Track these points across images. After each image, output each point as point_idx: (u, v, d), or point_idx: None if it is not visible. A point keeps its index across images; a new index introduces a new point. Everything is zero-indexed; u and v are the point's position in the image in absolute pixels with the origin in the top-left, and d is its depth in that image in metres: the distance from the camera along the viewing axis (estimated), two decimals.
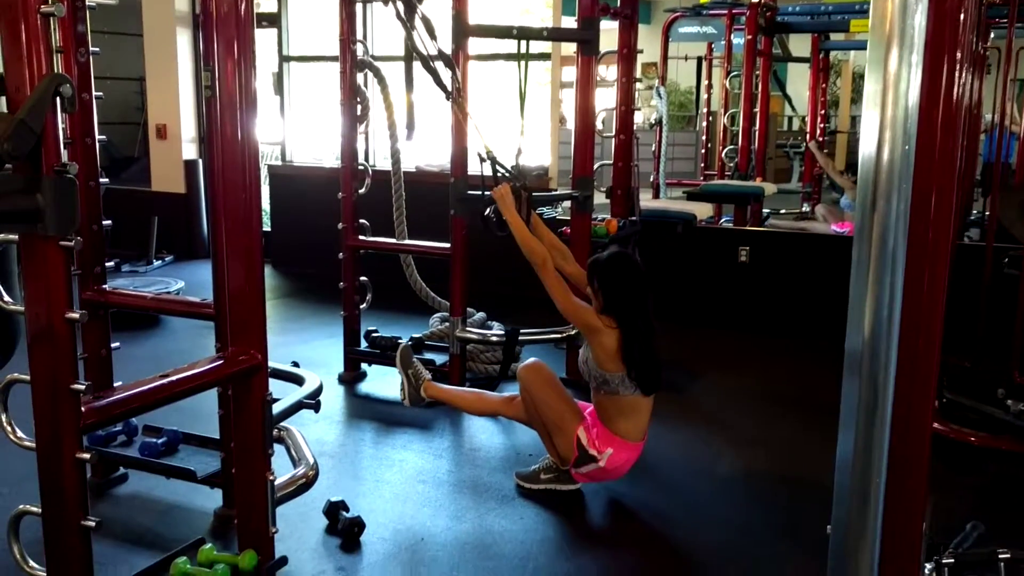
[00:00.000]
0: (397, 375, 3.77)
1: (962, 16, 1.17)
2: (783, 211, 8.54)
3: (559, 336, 4.61)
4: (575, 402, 3.49)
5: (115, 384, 3.28)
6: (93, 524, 1.99)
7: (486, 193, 3.71)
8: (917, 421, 1.21)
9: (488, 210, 3.78)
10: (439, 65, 3.75)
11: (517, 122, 4.17)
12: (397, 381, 4.62)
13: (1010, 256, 4.55)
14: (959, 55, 1.17)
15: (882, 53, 1.04)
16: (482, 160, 3.74)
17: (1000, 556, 2.36)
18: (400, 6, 3.68)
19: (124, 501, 3.31)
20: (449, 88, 3.83)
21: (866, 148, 1.08)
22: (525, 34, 4.23)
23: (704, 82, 8.92)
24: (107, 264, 3.31)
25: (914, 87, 1.04)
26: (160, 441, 3.21)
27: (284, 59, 7.61)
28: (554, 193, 5.68)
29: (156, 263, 7.47)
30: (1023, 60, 5.95)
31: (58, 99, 1.81)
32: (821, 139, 8.78)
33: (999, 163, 5.14)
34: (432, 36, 3.69)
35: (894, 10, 1.03)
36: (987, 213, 5.36)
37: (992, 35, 5.88)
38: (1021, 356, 4.32)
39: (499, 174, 3.72)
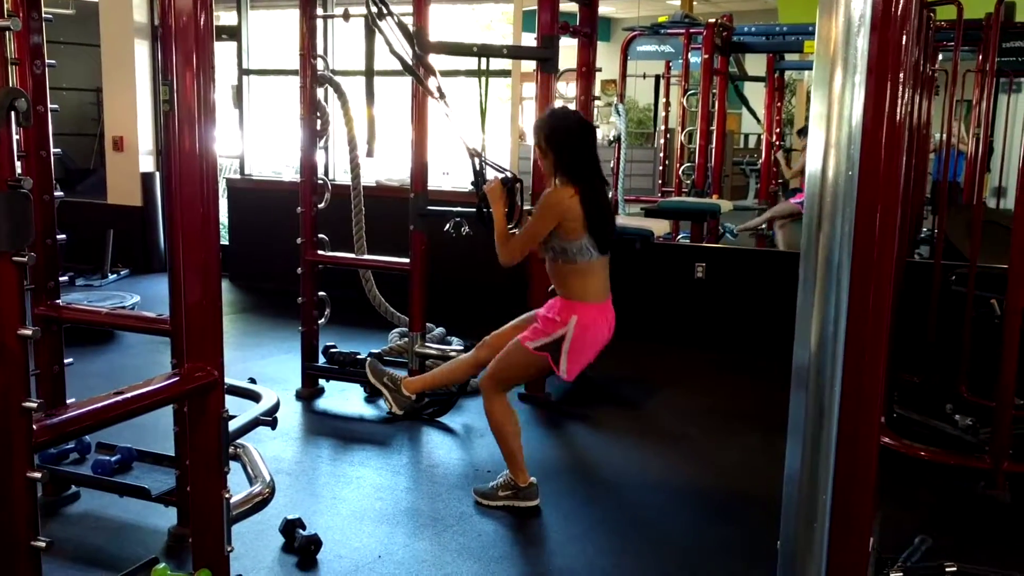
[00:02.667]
0: (376, 387, 3.79)
1: (904, 39, 1.20)
2: (736, 225, 8.65)
3: None
4: (517, 331, 3.49)
5: (68, 401, 3.23)
6: (44, 544, 1.95)
7: (479, 191, 3.70)
8: (864, 435, 1.24)
9: (476, 205, 3.77)
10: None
11: (478, 137, 4.19)
12: (356, 397, 4.66)
13: (957, 273, 4.66)
14: (901, 76, 1.21)
15: (827, 74, 1.08)
16: (472, 157, 3.75)
17: (947, 570, 2.42)
18: (374, 11, 3.70)
19: (76, 520, 3.25)
20: (432, 89, 3.86)
21: (812, 168, 1.11)
22: (486, 51, 4.26)
23: (662, 100, 9.02)
24: (61, 278, 3.26)
25: (857, 108, 1.07)
26: (113, 459, 3.16)
27: (243, 72, 7.56)
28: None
29: (111, 277, 7.36)
30: (969, 82, 6.10)
31: (12, 113, 1.79)
32: (788, 152, 8.95)
33: (946, 182, 5.27)
34: (409, 41, 3.72)
35: (837, 32, 1.07)
36: (935, 231, 5.49)
37: (940, 57, 6.03)
38: (969, 372, 4.42)
39: (484, 172, 3.74)
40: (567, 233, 3.30)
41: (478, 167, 3.75)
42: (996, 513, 3.53)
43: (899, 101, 1.21)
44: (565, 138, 3.35)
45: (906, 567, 2.45)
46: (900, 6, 1.16)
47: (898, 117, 1.22)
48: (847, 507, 1.24)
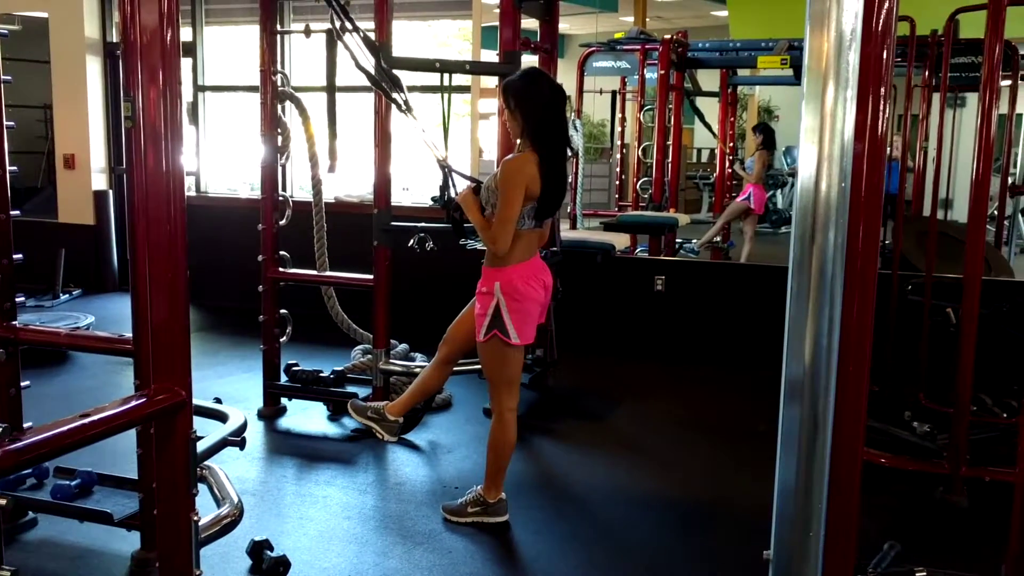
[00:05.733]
0: (362, 425, 3.80)
1: (885, 54, 1.23)
2: (696, 241, 8.76)
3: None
4: (471, 315, 3.45)
5: (25, 425, 3.14)
6: (9, 574, 1.90)
7: (451, 201, 3.66)
8: (850, 445, 1.26)
9: (448, 216, 3.74)
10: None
11: (441, 152, 4.19)
12: (319, 415, 4.60)
13: (913, 284, 4.76)
14: (883, 91, 1.23)
15: (819, 89, 1.09)
16: (443, 169, 3.72)
17: (917, 574, 2.45)
18: (337, 25, 3.68)
19: (34, 547, 3.16)
20: (399, 102, 3.83)
21: (804, 181, 1.13)
22: (448, 67, 4.27)
23: (618, 115, 9.11)
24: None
25: (849, 122, 1.09)
26: (73, 483, 3.07)
27: (199, 89, 7.48)
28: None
29: (63, 297, 7.20)
30: (916, 97, 6.24)
31: None
32: (743, 162, 9.10)
33: (902, 195, 5.38)
34: (375, 56, 3.70)
35: (829, 48, 1.08)
36: (886, 242, 5.60)
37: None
38: (926, 380, 4.51)
39: (450, 188, 3.72)
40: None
41: (446, 177, 3.72)
42: (955, 517, 3.59)
43: (881, 114, 1.24)
44: (535, 102, 3.24)
45: (878, 572, 2.48)
46: (881, 22, 1.18)
47: (880, 130, 1.24)
48: (838, 514, 1.25)
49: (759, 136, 7.96)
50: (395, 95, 3.85)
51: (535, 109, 3.24)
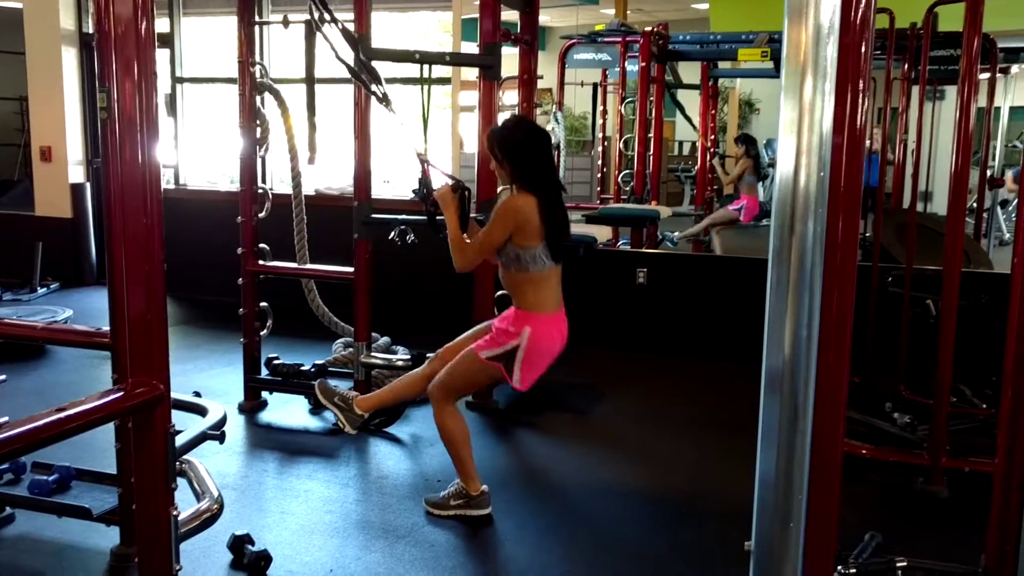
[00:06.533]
0: (327, 409, 3.69)
1: (864, 45, 1.23)
2: (677, 233, 8.78)
3: None
4: (471, 342, 3.47)
5: (1, 420, 3.10)
6: None
7: (428, 196, 3.65)
8: (831, 436, 1.26)
9: (425, 211, 3.73)
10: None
11: (420, 145, 4.17)
12: (300, 409, 4.58)
13: (893, 275, 4.78)
14: (862, 84, 1.23)
15: (798, 81, 1.09)
16: (422, 163, 3.71)
17: (898, 565, 2.47)
18: (316, 16, 3.66)
19: (11, 543, 3.13)
20: (379, 95, 3.81)
21: (783, 173, 1.13)
22: (427, 59, 4.24)
23: (599, 108, 9.10)
24: None
25: (828, 114, 1.09)
26: (51, 478, 3.04)
27: (177, 80, 7.41)
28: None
29: (40, 291, 7.12)
30: (895, 90, 6.28)
31: None
32: (723, 158, 9.11)
33: (882, 187, 5.41)
34: (353, 48, 3.68)
35: (807, 40, 1.08)
36: (867, 234, 5.63)
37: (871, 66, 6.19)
38: (906, 371, 4.54)
39: (429, 181, 3.70)
40: (522, 240, 3.30)
41: (425, 173, 3.71)
42: (935, 507, 3.62)
43: (859, 106, 1.24)
44: (518, 147, 3.34)
45: (858, 563, 2.49)
46: (860, 13, 1.18)
47: (859, 122, 1.24)
48: (818, 506, 1.26)
49: (742, 146, 7.95)
50: (374, 88, 3.83)
51: (519, 155, 3.33)
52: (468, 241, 3.45)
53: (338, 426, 3.66)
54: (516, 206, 3.30)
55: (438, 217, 3.58)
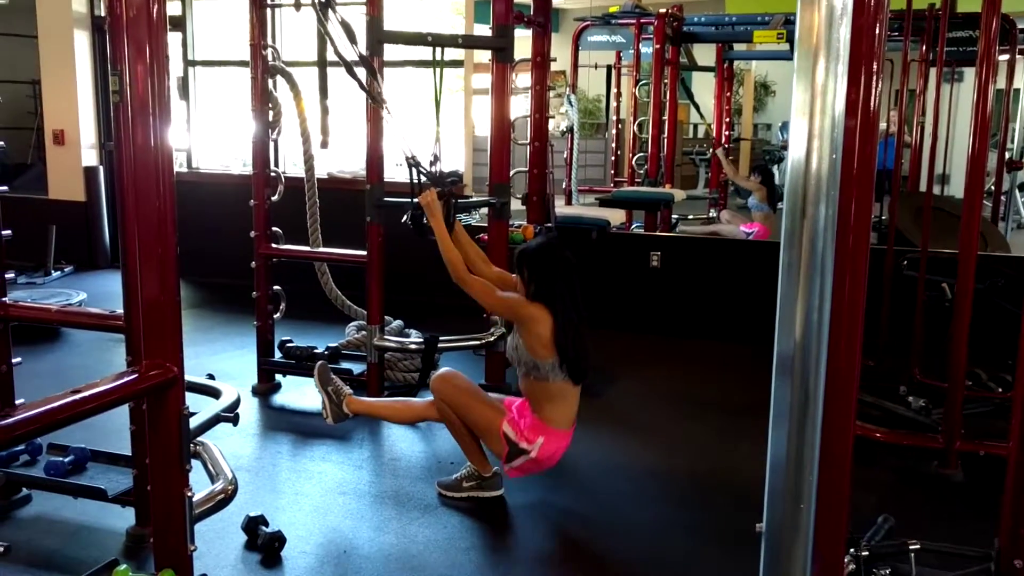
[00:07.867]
0: (317, 393, 3.68)
1: (878, 27, 1.22)
2: (691, 216, 8.75)
3: (478, 343, 4.60)
4: (494, 400, 3.48)
5: (17, 402, 3.14)
6: (2, 549, 1.90)
7: (414, 200, 3.66)
8: (842, 419, 1.26)
9: (411, 214, 3.73)
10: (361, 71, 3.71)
11: (432, 128, 4.16)
12: (314, 392, 4.58)
13: (909, 258, 4.75)
14: (875, 66, 1.22)
15: (810, 64, 1.08)
16: (410, 165, 3.70)
17: (911, 547, 2.47)
18: (319, 2, 3.62)
19: (28, 524, 3.16)
20: (373, 92, 3.79)
21: (795, 156, 1.12)
22: (439, 41, 4.23)
23: (614, 90, 9.05)
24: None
25: (840, 97, 1.08)
26: (67, 460, 3.08)
27: (189, 63, 7.41)
28: (473, 200, 5.68)
29: (55, 274, 7.18)
30: (911, 72, 6.22)
31: None
32: (727, 145, 9.02)
33: (898, 170, 5.36)
34: (352, 41, 3.65)
35: (820, 22, 1.07)
36: (883, 218, 5.60)
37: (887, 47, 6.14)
38: (921, 355, 4.52)
39: (423, 180, 3.69)
40: (535, 351, 3.26)
41: (415, 176, 3.69)
42: (950, 491, 3.61)
43: (873, 89, 1.23)
44: (546, 274, 3.30)
45: (871, 545, 2.49)
46: None
47: (872, 104, 1.23)
48: (829, 489, 1.25)
49: (758, 176, 7.69)
50: (371, 83, 3.78)
51: (547, 285, 3.29)
52: (454, 250, 3.48)
53: (321, 412, 3.65)
54: (530, 313, 3.27)
55: (423, 223, 3.59)
